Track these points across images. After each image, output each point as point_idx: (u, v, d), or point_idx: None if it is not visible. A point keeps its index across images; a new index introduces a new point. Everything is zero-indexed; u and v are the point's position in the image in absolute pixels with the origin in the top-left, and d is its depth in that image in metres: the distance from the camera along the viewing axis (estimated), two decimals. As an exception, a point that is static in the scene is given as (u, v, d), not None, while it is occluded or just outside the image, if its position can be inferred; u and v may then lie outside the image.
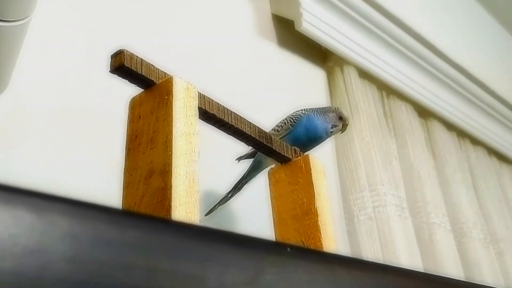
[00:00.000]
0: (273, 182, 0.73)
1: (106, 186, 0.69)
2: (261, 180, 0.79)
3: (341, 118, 0.82)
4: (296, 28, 1.21)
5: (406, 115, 1.45)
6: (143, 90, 0.56)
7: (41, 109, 0.75)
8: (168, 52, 0.94)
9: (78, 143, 0.77)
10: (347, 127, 0.84)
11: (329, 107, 0.86)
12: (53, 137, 0.75)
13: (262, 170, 0.82)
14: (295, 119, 0.80)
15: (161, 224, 0.22)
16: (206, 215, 0.81)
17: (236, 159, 0.84)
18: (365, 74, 1.36)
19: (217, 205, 0.81)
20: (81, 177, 0.74)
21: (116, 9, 0.93)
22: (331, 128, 0.81)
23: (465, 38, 1.85)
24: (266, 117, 0.82)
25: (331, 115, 0.81)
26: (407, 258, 1.08)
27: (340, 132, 0.84)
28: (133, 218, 0.22)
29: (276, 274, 0.25)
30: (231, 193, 0.82)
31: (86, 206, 0.21)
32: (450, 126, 1.64)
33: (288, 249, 0.27)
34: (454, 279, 0.35)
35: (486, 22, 2.15)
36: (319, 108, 0.83)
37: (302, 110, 0.82)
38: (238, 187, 0.82)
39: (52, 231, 0.19)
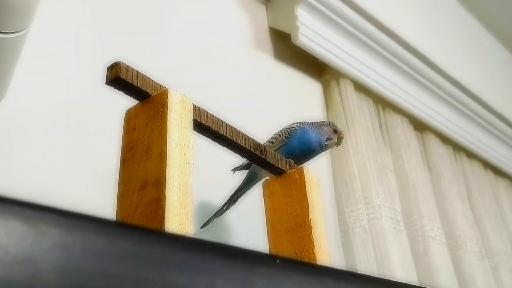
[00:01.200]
0: (268, 194, 0.74)
1: (100, 196, 0.69)
2: (256, 192, 0.79)
3: (335, 131, 0.82)
4: (293, 41, 1.22)
5: (401, 128, 1.45)
6: (138, 102, 0.57)
7: (38, 120, 0.75)
8: (165, 64, 0.95)
9: (73, 154, 0.77)
10: (342, 141, 0.84)
11: (324, 121, 0.86)
12: (50, 147, 0.75)
13: (257, 182, 0.82)
14: (290, 132, 0.81)
15: (150, 235, 0.22)
16: (201, 227, 0.81)
17: (232, 170, 0.85)
18: (361, 87, 1.37)
19: (213, 218, 0.82)
20: (76, 187, 0.75)
21: (113, 22, 0.94)
22: (326, 141, 0.81)
23: (461, 52, 1.86)
24: (262, 129, 0.83)
25: (325, 128, 0.82)
26: (402, 271, 1.08)
27: (336, 145, 0.84)
28: (123, 229, 0.22)
29: (264, 286, 0.25)
30: (227, 205, 0.82)
31: (77, 216, 0.21)
32: (445, 139, 1.65)
33: (278, 260, 0.28)
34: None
35: (481, 36, 2.17)
36: (314, 122, 0.83)
37: (297, 123, 0.83)
38: (233, 199, 0.82)
39: (43, 241, 0.19)
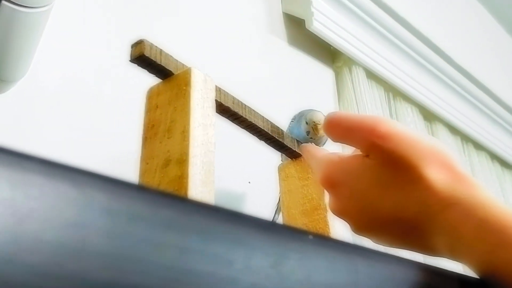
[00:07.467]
0: (283, 177, 0.74)
1: (120, 175, 0.69)
2: (272, 176, 0.80)
3: (307, 123, 0.75)
4: (307, 27, 1.21)
5: (411, 118, 1.45)
6: (160, 80, 0.57)
7: (59, 97, 0.75)
8: (180, 47, 0.95)
9: (94, 131, 0.77)
10: (320, 127, 0.74)
11: (305, 111, 0.78)
12: (70, 124, 0.75)
13: None
14: (289, 126, 0.79)
15: (193, 206, 0.23)
16: None
17: None
18: (373, 76, 1.37)
19: None
20: (95, 164, 0.75)
21: (136, 0, 0.94)
22: (307, 134, 0.75)
23: (472, 44, 1.85)
24: (273, 114, 0.83)
25: (303, 121, 0.76)
26: (409, 254, 1.09)
27: (318, 134, 0.75)
28: (167, 198, 0.23)
29: (298, 260, 0.25)
30: (277, 215, 0.82)
31: (123, 184, 0.22)
32: (454, 130, 1.65)
33: (310, 236, 0.28)
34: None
35: (493, 29, 2.16)
36: (301, 112, 0.78)
37: (293, 116, 0.79)
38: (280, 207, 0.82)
39: (92, 206, 0.19)
